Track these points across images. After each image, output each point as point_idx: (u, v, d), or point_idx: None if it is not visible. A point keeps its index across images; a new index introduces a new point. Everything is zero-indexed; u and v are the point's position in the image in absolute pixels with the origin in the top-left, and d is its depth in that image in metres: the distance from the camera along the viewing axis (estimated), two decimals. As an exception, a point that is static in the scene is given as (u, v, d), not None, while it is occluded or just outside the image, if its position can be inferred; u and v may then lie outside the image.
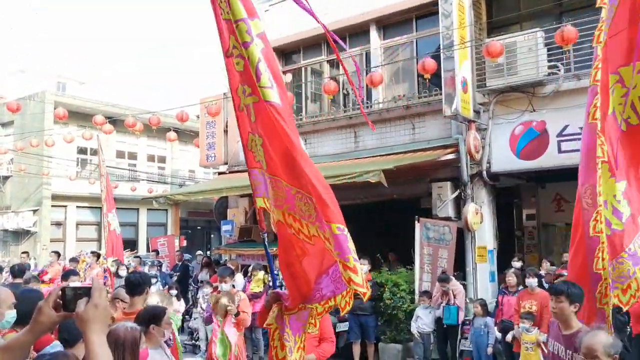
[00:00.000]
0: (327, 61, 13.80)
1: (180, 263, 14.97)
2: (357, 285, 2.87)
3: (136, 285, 4.89)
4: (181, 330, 11.75)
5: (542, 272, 9.63)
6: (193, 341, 11.42)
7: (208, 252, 21.61)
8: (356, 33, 13.10)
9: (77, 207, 24.28)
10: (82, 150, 24.00)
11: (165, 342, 4.65)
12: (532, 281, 8.24)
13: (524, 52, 9.80)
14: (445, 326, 9.08)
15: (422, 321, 9.09)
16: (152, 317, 3.98)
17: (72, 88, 31.02)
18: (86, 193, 22.98)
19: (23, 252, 16.86)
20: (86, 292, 1.84)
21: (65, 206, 23.90)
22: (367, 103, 12.62)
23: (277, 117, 3.30)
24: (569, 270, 4.42)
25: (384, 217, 13.32)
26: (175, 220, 27.58)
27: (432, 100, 11.27)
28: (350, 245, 2.96)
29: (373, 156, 11.79)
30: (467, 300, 9.87)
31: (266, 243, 3.94)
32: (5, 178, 23.65)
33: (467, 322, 9.15)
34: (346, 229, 3.01)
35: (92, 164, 23.84)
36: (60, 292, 1.89)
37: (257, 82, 3.27)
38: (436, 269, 10.01)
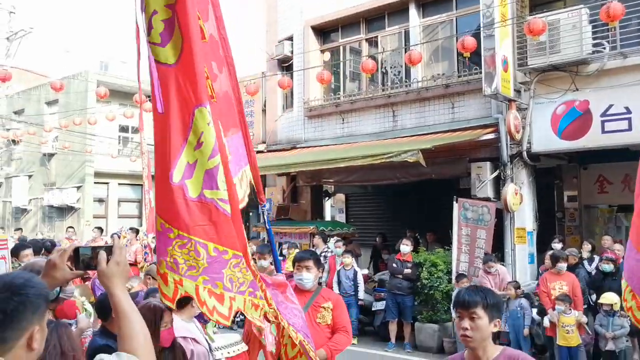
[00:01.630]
0: (366, 39, 13.70)
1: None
2: (220, 315, 2.63)
3: None
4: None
5: (584, 255, 9.49)
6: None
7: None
8: (396, 11, 12.97)
9: (118, 184, 24.88)
10: (123, 129, 24.51)
11: (200, 315, 4.77)
12: (561, 265, 8.17)
13: (568, 29, 9.54)
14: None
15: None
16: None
17: (114, 67, 31.61)
18: (127, 170, 23.51)
19: (69, 227, 17.47)
20: (107, 250, 1.89)
21: (108, 183, 24.52)
22: (406, 82, 12.52)
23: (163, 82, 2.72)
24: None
25: (422, 196, 13.29)
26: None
27: (471, 79, 11.12)
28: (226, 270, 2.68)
29: (411, 135, 11.75)
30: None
31: (267, 217, 3.81)
32: (51, 155, 24.36)
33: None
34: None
35: (134, 142, 24.36)
36: (73, 250, 1.93)
37: (147, 36, 2.72)
38: (474, 249, 9.98)
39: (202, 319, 4.72)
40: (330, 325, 4.31)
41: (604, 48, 9.45)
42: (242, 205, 3.11)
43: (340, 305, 4.45)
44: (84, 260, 1.92)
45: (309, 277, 4.35)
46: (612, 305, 7.83)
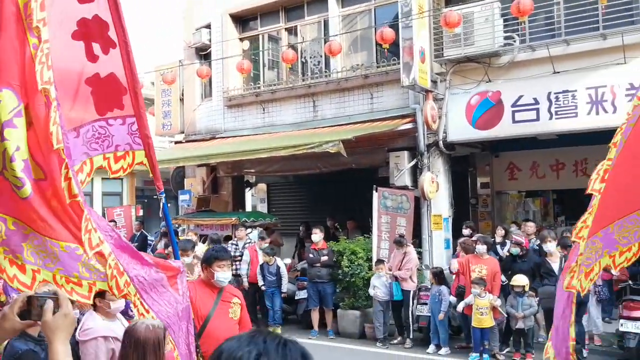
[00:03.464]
0: (286, 29, 13.61)
1: (138, 233, 14.78)
2: (80, 296, 2.76)
3: None
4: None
5: (497, 239, 9.91)
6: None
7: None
8: (315, 1, 12.96)
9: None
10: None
11: (126, 312, 4.60)
12: (481, 248, 8.52)
13: (481, 22, 9.89)
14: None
15: (379, 290, 9.28)
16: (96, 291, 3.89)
17: None
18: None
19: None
20: (53, 300, 1.83)
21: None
22: (326, 72, 12.56)
23: None
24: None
25: (343, 186, 13.43)
26: (131, 190, 27.06)
27: (390, 69, 11.30)
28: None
29: (332, 125, 11.82)
30: (423, 267, 10.13)
31: (164, 204, 3.71)
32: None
33: (424, 288, 9.40)
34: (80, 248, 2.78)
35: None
36: (26, 299, 1.85)
37: None
38: (394, 236, 10.19)
39: (126, 315, 4.55)
40: (238, 320, 4.33)
41: (515, 41, 9.87)
42: (116, 175, 3.24)
43: (243, 301, 4.50)
44: (33, 310, 1.84)
45: (228, 275, 4.37)
46: (523, 286, 8.27)
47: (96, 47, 3.25)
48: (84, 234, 2.77)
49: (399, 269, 9.27)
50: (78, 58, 3.21)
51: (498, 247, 9.71)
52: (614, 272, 6.83)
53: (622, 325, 7.75)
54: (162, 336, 3.05)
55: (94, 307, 3.91)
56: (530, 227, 10.02)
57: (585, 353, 7.95)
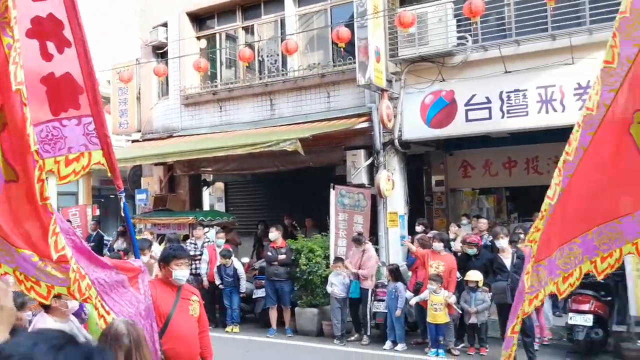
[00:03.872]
0: (243, 27, 13.55)
1: (94, 233, 14.49)
2: (39, 295, 2.80)
3: None
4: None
5: (451, 236, 10.11)
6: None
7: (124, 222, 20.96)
8: (271, 0, 12.95)
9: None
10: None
11: (79, 314, 4.53)
12: (437, 245, 8.67)
13: (435, 22, 10.06)
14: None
15: (337, 287, 9.35)
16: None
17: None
18: None
19: None
20: None
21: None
22: (283, 71, 12.56)
23: None
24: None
25: (301, 184, 13.45)
26: (87, 189, 26.46)
27: (346, 69, 11.38)
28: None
29: (289, 124, 11.84)
30: (380, 264, 10.24)
31: (124, 204, 3.75)
32: None
33: (381, 285, 9.51)
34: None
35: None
36: None
37: None
38: (351, 234, 10.27)
39: (79, 317, 4.48)
40: (197, 317, 4.34)
41: (467, 41, 10.07)
42: (65, 181, 3.21)
43: (201, 299, 4.53)
44: None
45: (186, 274, 4.36)
46: (476, 282, 8.46)
47: (51, 46, 3.20)
48: (51, 237, 2.75)
49: (359, 267, 9.35)
50: (32, 57, 3.15)
51: (452, 243, 9.90)
52: (598, 278, 7.08)
53: (571, 318, 8.01)
54: (143, 333, 3.05)
55: (45, 309, 3.84)
56: (483, 223, 10.25)
57: (536, 346, 8.18)
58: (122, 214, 3.80)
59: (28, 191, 2.64)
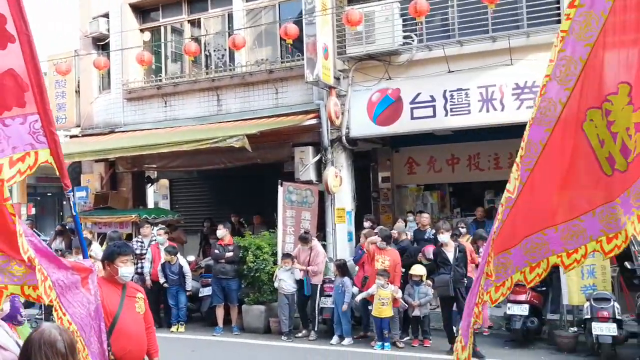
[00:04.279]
0: (188, 21, 13.32)
1: (29, 232, 13.93)
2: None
3: None
4: (32, 304, 11.03)
5: (395, 232, 10.28)
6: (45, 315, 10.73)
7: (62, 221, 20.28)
8: (219, -6, 12.79)
9: None
10: None
11: (15, 317, 4.36)
12: (382, 243, 8.81)
13: (382, 21, 10.19)
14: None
15: (285, 283, 9.35)
16: None
17: None
18: None
19: None
20: None
21: None
22: (231, 66, 12.44)
23: None
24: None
25: (249, 181, 13.37)
26: (21, 187, 25.36)
27: (294, 65, 11.39)
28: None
29: (236, 120, 11.74)
30: (327, 260, 10.31)
31: (73, 203, 3.67)
32: None
33: (328, 281, 9.58)
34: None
35: None
36: None
37: None
38: (299, 230, 10.30)
39: (14, 320, 4.31)
40: (144, 315, 4.31)
41: (413, 40, 10.26)
42: (11, 182, 3.06)
43: (145, 295, 4.49)
44: None
45: (131, 270, 4.34)
46: (420, 276, 8.67)
47: None
48: (19, 237, 2.70)
49: (308, 264, 9.38)
50: None
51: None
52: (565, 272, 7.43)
53: (509, 308, 8.34)
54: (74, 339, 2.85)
55: None
56: (425, 218, 10.49)
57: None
58: (72, 213, 3.71)
59: None
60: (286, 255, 9.58)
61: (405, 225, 10.58)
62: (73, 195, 3.61)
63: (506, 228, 3.00)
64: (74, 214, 3.70)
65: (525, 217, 2.96)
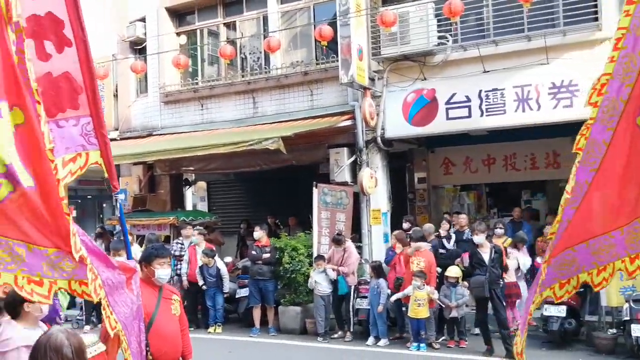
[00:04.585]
0: (224, 24, 13.50)
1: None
2: (40, 295, 2.82)
3: None
4: (73, 304, 11.36)
5: (442, 233, 10.20)
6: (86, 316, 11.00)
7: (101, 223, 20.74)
8: (253, -4, 12.93)
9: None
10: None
11: (53, 319, 4.48)
12: (421, 244, 8.78)
13: (416, 22, 10.16)
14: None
15: (320, 284, 9.41)
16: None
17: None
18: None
19: None
20: None
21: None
22: (266, 68, 12.56)
23: None
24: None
25: (284, 182, 13.47)
26: (64, 190, 26.05)
27: (329, 67, 11.43)
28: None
29: (272, 122, 11.84)
30: (363, 261, 10.33)
31: (119, 204, 3.78)
32: None
33: (363, 282, 9.60)
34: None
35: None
36: None
37: None
38: (334, 232, 10.34)
39: (54, 322, 4.43)
40: (179, 317, 4.37)
41: (447, 41, 10.19)
42: (63, 183, 3.04)
43: (180, 298, 4.56)
44: None
45: (168, 272, 4.39)
46: (456, 277, 8.63)
47: (49, 45, 3.15)
48: (72, 236, 2.77)
49: (340, 265, 9.42)
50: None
51: (444, 240, 10.00)
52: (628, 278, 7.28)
53: (545, 309, 8.23)
54: (83, 342, 2.77)
55: (14, 316, 3.71)
56: (463, 219, 10.38)
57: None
58: (118, 214, 3.80)
59: (46, 191, 2.65)
60: (319, 257, 9.64)
61: (450, 227, 10.42)
62: (122, 200, 3.71)
63: (571, 228, 2.93)
64: (120, 215, 3.79)
65: (591, 218, 2.88)
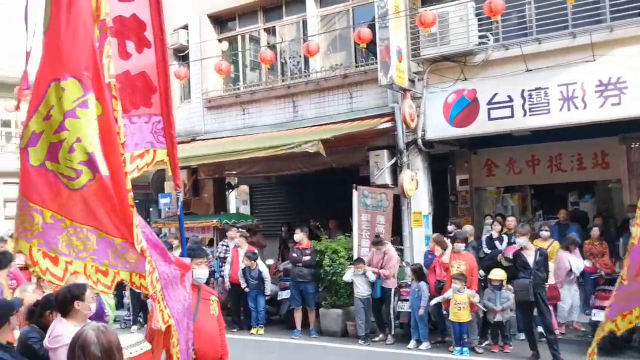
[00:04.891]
0: (264, 29, 13.66)
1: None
2: (104, 285, 2.92)
3: None
4: (122, 305, 11.67)
5: (494, 234, 10.01)
6: (133, 316, 11.30)
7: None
8: (293, 1, 13.03)
9: (3, 183, 23.24)
10: (5, 123, 22.89)
11: (101, 317, 4.62)
12: (459, 245, 8.67)
13: (456, 22, 10.04)
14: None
15: (360, 287, 9.39)
16: (74, 293, 3.77)
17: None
18: (14, 168, 21.97)
19: (-50, 231, 16.08)
20: None
21: (-9, 182, 22.84)
22: (305, 72, 12.64)
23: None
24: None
25: (324, 185, 13.51)
26: (111, 192, 26.80)
27: (368, 69, 11.42)
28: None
29: (312, 126, 11.90)
30: (404, 264, 10.26)
31: (179, 203, 3.87)
32: None
33: (404, 285, 9.53)
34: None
35: (18, 137, 22.81)
36: None
37: None
38: (374, 234, 10.31)
39: (101, 320, 4.57)
40: (217, 317, 4.45)
41: (488, 40, 10.03)
42: (133, 175, 3.23)
43: (218, 299, 4.64)
44: None
45: (205, 273, 4.47)
46: (500, 280, 8.46)
47: (130, 45, 3.33)
48: (134, 228, 2.91)
49: (381, 267, 9.38)
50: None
51: (497, 242, 9.80)
52: None
53: (594, 315, 7.98)
54: (117, 339, 2.64)
55: (64, 314, 3.81)
56: (512, 221, 10.16)
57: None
58: (177, 213, 3.92)
59: (117, 181, 2.80)
60: (358, 260, 9.61)
61: (502, 229, 10.21)
62: (177, 196, 3.81)
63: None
64: (179, 213, 3.91)
65: None
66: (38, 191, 2.76)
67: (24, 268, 9.98)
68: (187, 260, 3.66)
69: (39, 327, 4.09)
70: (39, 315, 4.15)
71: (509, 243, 9.59)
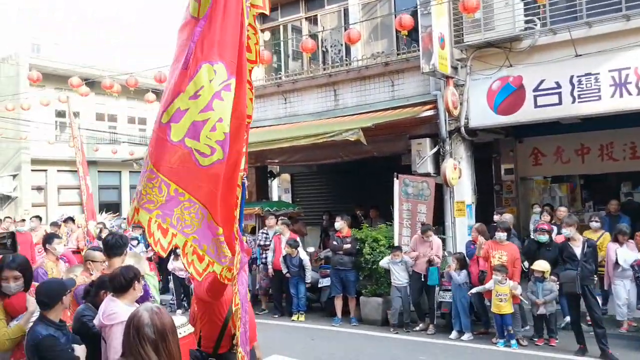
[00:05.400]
0: (306, 18, 13.65)
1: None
2: (195, 271, 3.03)
3: (113, 247, 4.93)
4: (167, 289, 11.97)
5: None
6: (177, 301, 11.58)
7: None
8: (334, -11, 12.96)
9: (57, 171, 24.08)
10: (60, 114, 23.66)
11: (146, 298, 4.73)
12: (501, 235, 8.48)
13: (501, 7, 9.80)
14: (423, 281, 9.35)
15: (397, 275, 9.34)
16: (137, 273, 3.98)
17: (47, 49, 30.33)
18: (66, 157, 22.79)
19: (7, 217, 16.80)
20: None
21: (46, 170, 23.69)
22: (347, 60, 12.58)
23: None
24: None
25: (365, 174, 13.46)
26: (129, 183, 27.49)
27: (410, 57, 11.28)
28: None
29: (353, 114, 11.85)
30: (446, 254, 10.12)
31: (244, 190, 3.89)
32: (-17, 143, 23.33)
33: (446, 275, 9.40)
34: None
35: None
36: None
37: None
38: (415, 223, 10.22)
39: (148, 301, 4.69)
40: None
41: (535, 25, 9.74)
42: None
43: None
44: None
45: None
46: (543, 272, 8.22)
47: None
48: (235, 222, 3.08)
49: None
50: None
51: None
52: None
53: (646, 310, 7.68)
54: (172, 320, 2.66)
55: (118, 294, 3.93)
56: (562, 212, 9.88)
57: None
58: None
59: (232, 165, 2.99)
60: (396, 248, 9.56)
61: (551, 219, 9.94)
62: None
63: None
64: (242, 195, 3.96)
65: None
66: (170, 165, 2.91)
67: (77, 252, 10.38)
68: (246, 246, 3.73)
69: (93, 306, 4.24)
70: (94, 295, 4.30)
71: (558, 233, 9.34)
